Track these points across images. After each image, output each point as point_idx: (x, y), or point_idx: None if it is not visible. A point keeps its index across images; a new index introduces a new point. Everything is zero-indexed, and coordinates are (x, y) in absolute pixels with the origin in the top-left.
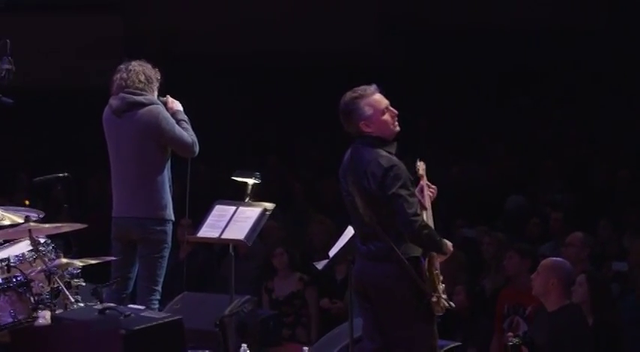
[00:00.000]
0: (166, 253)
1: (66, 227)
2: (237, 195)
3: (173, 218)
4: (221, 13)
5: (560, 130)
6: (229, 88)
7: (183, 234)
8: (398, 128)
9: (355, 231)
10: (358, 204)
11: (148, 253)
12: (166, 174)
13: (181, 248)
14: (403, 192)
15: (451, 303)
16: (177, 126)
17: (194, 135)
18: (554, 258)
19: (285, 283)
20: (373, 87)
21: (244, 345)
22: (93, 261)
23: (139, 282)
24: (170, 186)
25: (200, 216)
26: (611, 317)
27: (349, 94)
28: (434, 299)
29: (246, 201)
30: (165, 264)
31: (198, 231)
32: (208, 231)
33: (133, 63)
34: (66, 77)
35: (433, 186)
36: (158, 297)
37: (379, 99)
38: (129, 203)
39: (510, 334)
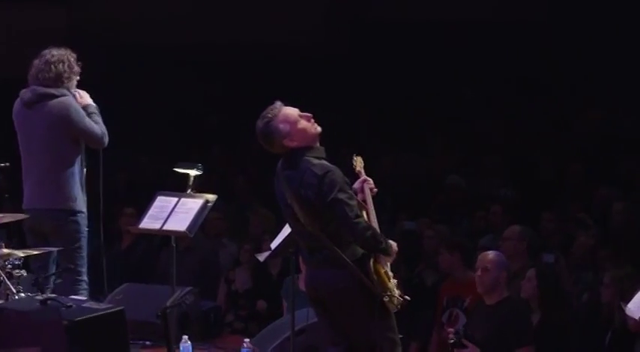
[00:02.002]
0: (84, 242)
1: (7, 217)
2: (179, 187)
3: (84, 209)
4: (167, 3)
5: (505, 122)
6: (174, 79)
7: (126, 224)
8: (319, 128)
9: (299, 243)
10: (299, 215)
11: (64, 246)
12: (77, 165)
13: (123, 238)
14: (342, 195)
15: (405, 297)
16: (87, 118)
17: (104, 127)
18: (496, 252)
19: (246, 278)
20: (278, 103)
21: (185, 337)
22: (35, 252)
23: (64, 275)
24: (82, 178)
25: (144, 206)
26: (559, 315)
27: (260, 121)
28: (386, 298)
29: (188, 192)
30: (84, 253)
31: (139, 222)
32: (150, 222)
33: (53, 51)
34: (6, 67)
35: (369, 180)
36: (85, 286)
37: (289, 112)
38: (39, 194)
39: (451, 330)
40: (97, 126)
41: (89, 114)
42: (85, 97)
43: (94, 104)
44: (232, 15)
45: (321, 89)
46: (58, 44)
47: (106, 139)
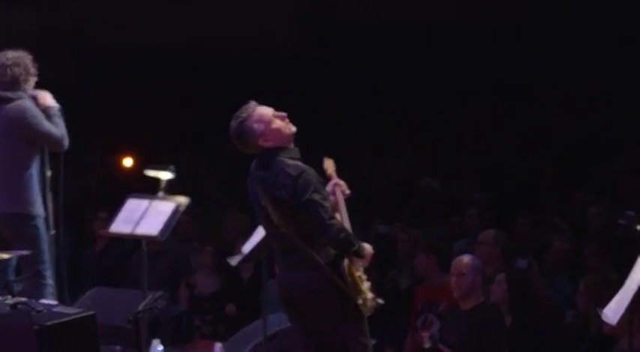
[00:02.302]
0: (45, 247)
1: None
2: (150, 189)
3: (42, 213)
4: (140, 4)
5: (479, 124)
6: (146, 80)
7: (100, 228)
8: (293, 128)
9: (274, 245)
10: (273, 216)
11: (26, 250)
12: (35, 169)
13: (97, 242)
14: (316, 196)
15: (379, 300)
16: (45, 121)
17: (65, 129)
18: (471, 256)
19: (209, 281)
20: (252, 103)
21: (157, 341)
22: (5, 256)
23: (29, 280)
24: (43, 181)
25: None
26: (531, 319)
27: (234, 122)
28: (359, 301)
29: (160, 195)
30: (47, 257)
31: (110, 226)
32: (121, 225)
33: (8, 54)
34: None
35: (342, 183)
36: (51, 290)
37: (263, 111)
38: None
39: (426, 334)
40: (57, 129)
41: (50, 117)
42: (47, 98)
43: (56, 105)
44: (207, 14)
45: (294, 89)
46: (30, 46)
47: (66, 142)
